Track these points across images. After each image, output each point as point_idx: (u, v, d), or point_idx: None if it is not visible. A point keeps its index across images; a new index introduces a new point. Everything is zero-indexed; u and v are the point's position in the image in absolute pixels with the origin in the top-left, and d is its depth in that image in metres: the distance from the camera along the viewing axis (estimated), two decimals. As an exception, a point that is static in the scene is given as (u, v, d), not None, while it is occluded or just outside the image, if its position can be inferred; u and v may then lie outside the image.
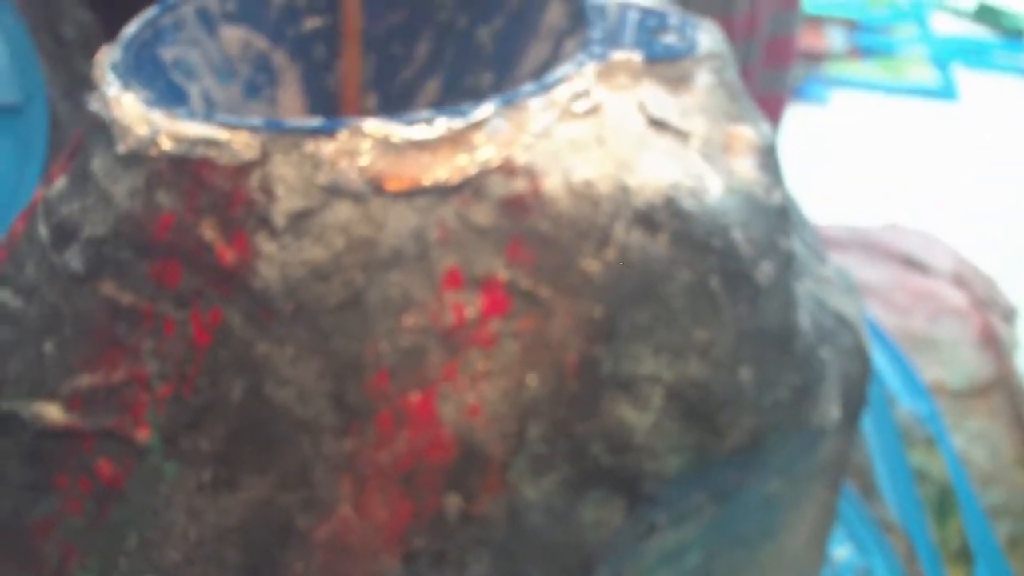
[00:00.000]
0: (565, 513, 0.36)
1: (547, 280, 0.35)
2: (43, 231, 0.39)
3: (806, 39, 1.10)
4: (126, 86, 0.38)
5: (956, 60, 1.14)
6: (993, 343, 0.75)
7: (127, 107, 0.37)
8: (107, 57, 0.40)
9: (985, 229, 0.88)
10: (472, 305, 0.35)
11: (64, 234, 0.38)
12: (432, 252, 0.35)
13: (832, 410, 0.39)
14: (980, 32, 1.20)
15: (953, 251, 0.81)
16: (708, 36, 0.40)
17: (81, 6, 0.64)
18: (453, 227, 0.35)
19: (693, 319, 0.35)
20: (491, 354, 0.35)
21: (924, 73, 1.15)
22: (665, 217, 0.35)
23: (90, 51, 0.63)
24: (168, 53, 0.44)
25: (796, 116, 1.05)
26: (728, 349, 0.36)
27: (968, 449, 0.70)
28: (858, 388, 0.42)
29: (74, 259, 0.37)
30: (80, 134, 0.40)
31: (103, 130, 0.38)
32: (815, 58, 1.14)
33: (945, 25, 1.20)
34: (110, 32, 0.64)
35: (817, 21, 1.15)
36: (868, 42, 1.18)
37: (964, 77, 1.14)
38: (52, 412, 0.37)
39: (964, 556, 0.64)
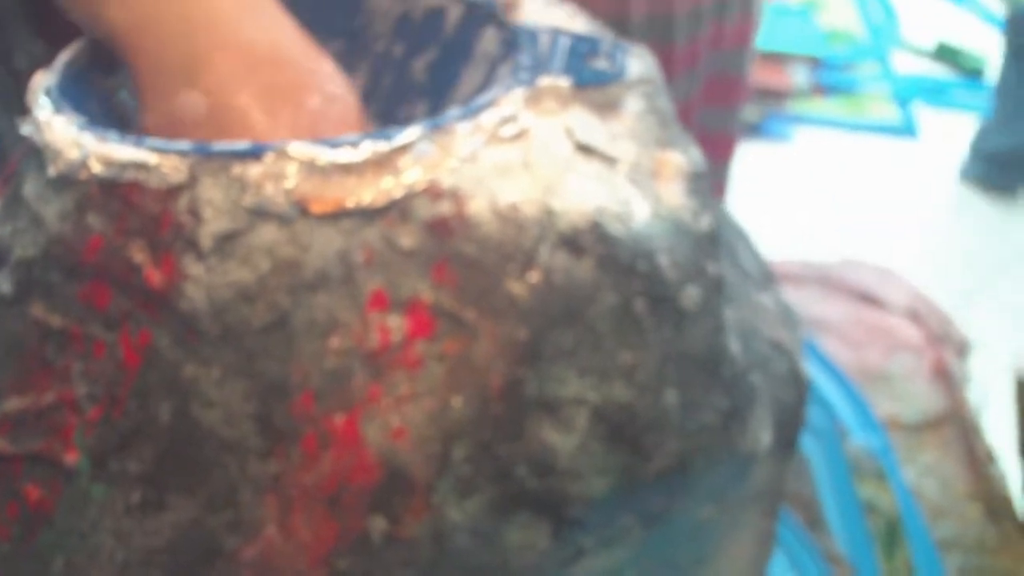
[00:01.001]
0: (490, 536, 0.36)
1: (472, 302, 0.35)
2: None
3: (769, 76, 1.11)
4: (58, 110, 0.38)
5: (917, 98, 1.16)
6: (946, 378, 0.75)
7: (58, 131, 0.37)
8: (42, 82, 0.40)
9: (941, 264, 0.89)
10: (397, 327, 0.35)
11: (-3, 257, 0.38)
12: (357, 274, 0.35)
13: (763, 435, 0.40)
14: (940, 71, 1.21)
15: (909, 286, 0.81)
16: (639, 61, 0.40)
17: (34, 37, 0.64)
18: (378, 249, 0.35)
19: (618, 342, 0.36)
20: (416, 376, 0.35)
21: (885, 110, 1.16)
22: (590, 241, 0.35)
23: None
24: (109, 79, 0.44)
25: (758, 152, 1.06)
26: (653, 372, 0.36)
27: (920, 482, 0.70)
28: (792, 414, 0.43)
29: (3, 282, 0.37)
30: (15, 160, 0.40)
31: (35, 154, 0.38)
32: (778, 95, 1.15)
33: (906, 64, 1.21)
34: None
35: (780, 58, 1.16)
36: (830, 79, 1.19)
37: (924, 114, 1.16)
38: (-20, 436, 0.37)
39: (913, 588, 0.64)
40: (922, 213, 1.01)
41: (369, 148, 0.35)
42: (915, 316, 0.79)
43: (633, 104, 0.39)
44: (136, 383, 0.36)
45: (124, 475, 0.36)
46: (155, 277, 0.35)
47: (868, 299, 0.80)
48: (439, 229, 0.35)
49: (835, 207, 1.01)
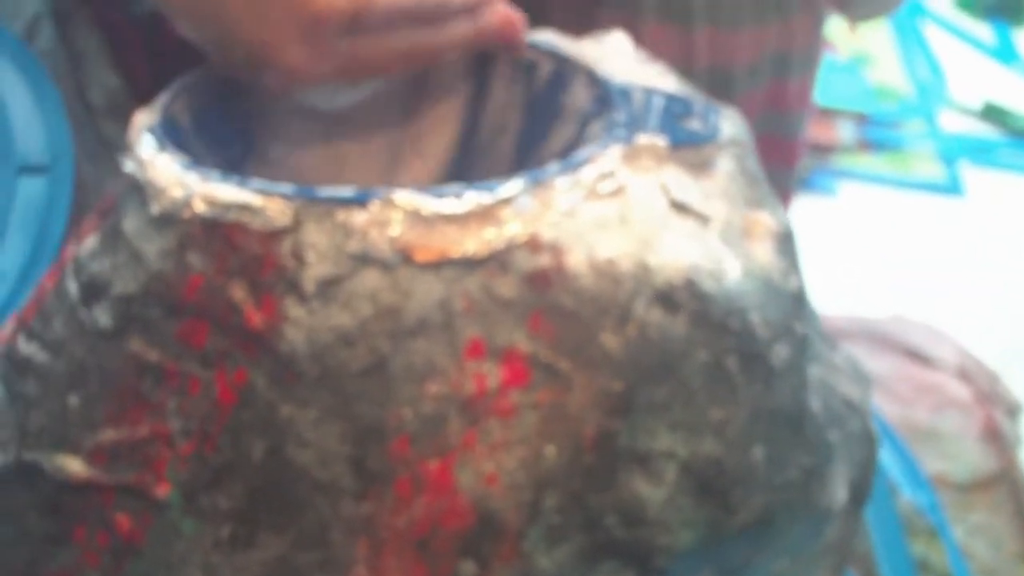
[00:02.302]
0: (577, 584, 0.36)
1: (567, 353, 0.36)
2: (72, 287, 0.39)
3: (816, 130, 1.12)
4: (161, 148, 0.39)
5: (962, 157, 1.16)
6: (996, 437, 0.75)
7: (162, 169, 0.38)
8: (143, 120, 0.41)
9: (988, 324, 0.89)
10: (493, 375, 0.35)
11: (94, 291, 0.39)
12: (456, 322, 0.35)
13: (839, 492, 0.40)
14: (986, 130, 1.21)
15: (958, 345, 0.82)
16: (730, 123, 0.41)
17: (108, 71, 0.66)
18: (478, 298, 0.35)
19: (709, 398, 0.36)
20: (510, 424, 0.35)
21: (931, 168, 1.17)
22: (685, 297, 0.36)
23: (116, 115, 0.65)
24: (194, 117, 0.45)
25: (804, 206, 1.06)
26: (742, 428, 0.37)
27: (969, 542, 0.70)
28: (865, 472, 0.43)
29: (103, 315, 0.38)
30: (112, 195, 0.41)
31: (137, 191, 0.39)
32: (824, 150, 1.15)
33: (952, 122, 1.22)
34: (136, 97, 0.65)
35: (827, 114, 1.17)
36: (876, 136, 1.20)
37: (970, 174, 1.16)
38: (74, 465, 0.38)
39: (963, 648, 0.64)
40: (968, 271, 1.01)
41: (473, 200, 0.36)
42: (964, 374, 0.79)
43: (724, 164, 0.40)
44: (230, 421, 0.36)
45: (214, 510, 0.37)
46: (255, 318, 0.36)
47: (916, 356, 0.80)
48: (538, 281, 0.36)
49: (881, 263, 1.01)
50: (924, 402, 0.76)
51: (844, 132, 1.15)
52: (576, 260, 0.36)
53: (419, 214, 0.35)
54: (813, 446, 0.38)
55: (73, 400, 0.38)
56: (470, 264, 0.35)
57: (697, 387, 0.36)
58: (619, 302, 0.36)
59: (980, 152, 1.18)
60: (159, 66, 0.64)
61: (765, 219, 0.39)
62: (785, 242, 0.39)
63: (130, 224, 0.38)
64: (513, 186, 0.36)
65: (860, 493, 0.42)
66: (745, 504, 0.37)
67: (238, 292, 0.36)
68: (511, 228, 0.36)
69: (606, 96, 0.42)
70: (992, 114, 1.20)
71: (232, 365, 0.36)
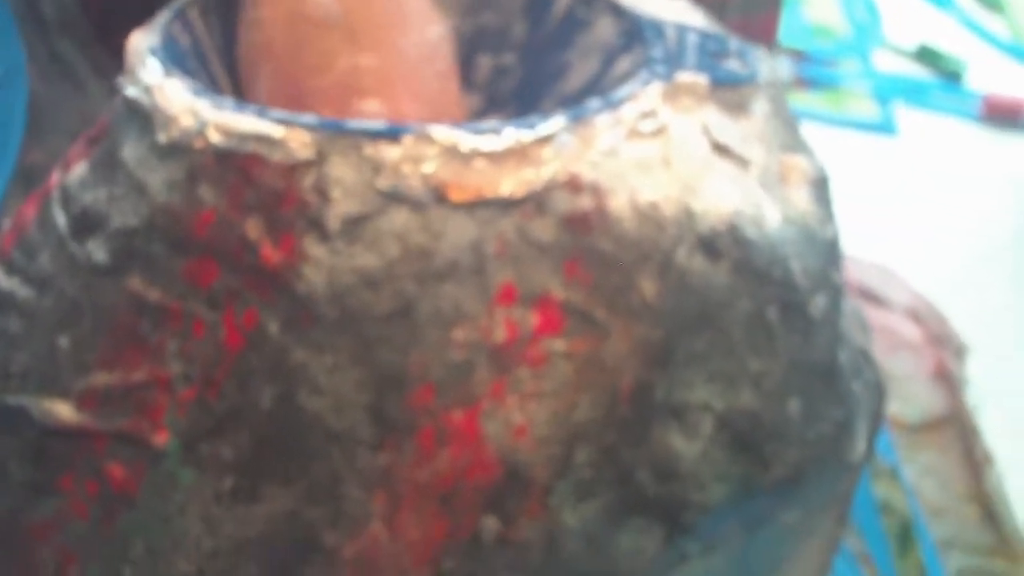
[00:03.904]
0: (602, 541, 0.35)
1: (604, 301, 0.34)
2: (61, 219, 0.37)
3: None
4: (168, 73, 0.36)
5: (897, 97, 1.16)
6: (946, 379, 0.76)
7: (171, 95, 0.35)
8: (142, 41, 0.38)
9: (923, 262, 0.90)
10: (525, 323, 0.34)
11: (87, 223, 0.36)
12: (488, 266, 0.33)
13: (862, 445, 0.39)
14: (920, 72, 1.22)
15: (908, 286, 0.82)
16: (765, 64, 0.39)
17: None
18: (512, 241, 0.33)
19: (749, 349, 0.35)
20: (542, 374, 0.34)
21: (866, 107, 1.17)
22: (728, 244, 0.35)
23: (69, 31, 0.61)
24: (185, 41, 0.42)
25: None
26: (779, 380, 0.35)
27: (919, 482, 0.71)
28: (876, 423, 0.42)
29: (98, 250, 0.35)
30: (104, 121, 0.38)
31: (138, 117, 0.36)
32: (761, 85, 1.14)
33: (887, 63, 1.21)
34: (89, 14, 0.62)
35: (765, 49, 1.16)
36: (813, 73, 1.19)
37: (903, 114, 1.16)
38: (63, 410, 0.35)
39: (922, 590, 0.65)
40: (903, 210, 1.01)
41: (512, 136, 0.33)
42: (915, 316, 0.79)
43: (761, 107, 0.38)
44: (236, 365, 0.34)
45: (216, 460, 0.34)
46: (272, 256, 0.33)
47: (869, 296, 0.80)
48: (577, 224, 0.34)
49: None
50: (878, 344, 0.76)
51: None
52: (618, 203, 0.34)
53: (456, 150, 0.33)
54: (843, 399, 0.37)
55: (63, 340, 0.35)
56: (506, 205, 0.33)
57: (737, 338, 0.35)
58: (661, 248, 0.34)
59: (914, 93, 1.18)
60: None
61: (802, 164, 0.38)
62: (821, 188, 0.38)
63: (130, 152, 0.35)
64: (554, 123, 0.34)
65: (872, 444, 0.42)
66: (779, 458, 0.36)
67: (253, 229, 0.34)
68: (551, 167, 0.34)
69: (635, 31, 0.40)
70: (926, 56, 1.20)
71: (242, 306, 0.34)
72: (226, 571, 0.35)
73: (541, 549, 0.34)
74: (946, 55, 1.19)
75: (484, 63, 0.46)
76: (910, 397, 0.74)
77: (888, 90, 1.17)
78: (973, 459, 0.72)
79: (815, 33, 1.23)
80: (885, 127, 1.13)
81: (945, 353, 0.77)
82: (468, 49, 0.45)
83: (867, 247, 0.94)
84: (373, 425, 0.33)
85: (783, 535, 0.40)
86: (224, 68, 0.42)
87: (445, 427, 0.33)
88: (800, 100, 1.17)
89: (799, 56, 1.19)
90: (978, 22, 1.28)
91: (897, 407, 0.74)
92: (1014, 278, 0.95)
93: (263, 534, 0.34)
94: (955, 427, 0.74)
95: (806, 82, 1.18)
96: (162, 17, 0.39)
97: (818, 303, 0.36)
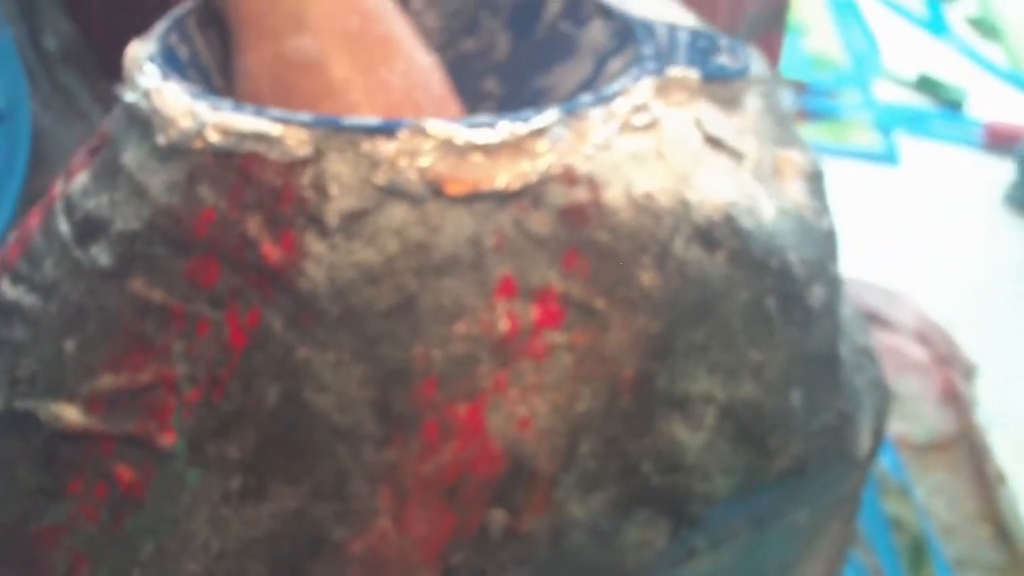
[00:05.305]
0: (609, 533, 0.35)
1: (603, 292, 0.34)
2: (64, 227, 0.37)
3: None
4: (166, 77, 0.36)
5: (898, 127, 1.17)
6: (954, 399, 0.76)
7: (170, 98, 0.35)
8: (140, 50, 0.38)
9: (927, 289, 0.90)
10: (525, 315, 0.34)
11: (90, 229, 0.36)
12: (487, 259, 0.34)
13: (866, 440, 0.39)
14: (920, 101, 1.22)
15: (915, 307, 0.82)
16: (756, 60, 0.40)
17: (63, 17, 0.63)
18: (510, 234, 0.34)
19: (748, 339, 0.35)
20: (543, 366, 0.34)
21: (867, 138, 1.17)
22: (724, 234, 0.35)
23: (71, 63, 0.62)
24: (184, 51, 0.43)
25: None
26: (780, 371, 0.35)
27: (930, 502, 0.70)
28: (881, 422, 0.42)
29: (101, 254, 0.36)
30: (103, 131, 0.38)
31: (138, 123, 0.36)
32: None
33: (887, 93, 1.22)
34: (91, 45, 0.62)
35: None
36: (814, 105, 1.20)
37: (905, 143, 1.17)
38: (70, 413, 0.35)
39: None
40: (906, 240, 1.02)
41: (507, 129, 0.34)
42: (922, 337, 0.79)
43: (753, 102, 0.39)
44: (241, 364, 0.34)
45: (223, 460, 0.34)
46: (273, 253, 0.34)
47: (875, 318, 0.80)
48: (573, 216, 0.34)
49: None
50: (885, 365, 0.76)
51: (783, 100, 1.15)
52: (614, 194, 0.34)
53: (452, 143, 0.33)
54: (845, 391, 0.37)
55: (69, 345, 0.36)
56: (502, 198, 0.34)
57: (737, 328, 0.35)
58: (658, 239, 0.34)
59: (915, 122, 1.19)
60: (115, 13, 0.61)
61: (796, 157, 0.38)
62: (816, 181, 0.38)
63: (131, 157, 0.36)
64: (548, 116, 0.34)
65: (877, 443, 0.42)
66: (782, 450, 0.36)
67: (254, 227, 0.34)
68: (546, 160, 0.34)
69: (626, 31, 0.41)
70: (927, 86, 1.21)
71: (245, 305, 0.34)
72: (234, 571, 0.35)
73: (548, 542, 0.34)
74: (946, 84, 1.20)
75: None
76: (918, 417, 0.74)
77: (889, 120, 1.17)
78: (984, 478, 0.72)
79: (815, 64, 1.24)
80: (887, 157, 1.14)
81: (953, 373, 0.77)
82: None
83: (874, 273, 0.94)
84: (378, 420, 0.34)
85: (791, 534, 0.40)
86: (225, 81, 0.43)
87: (449, 420, 0.34)
88: (802, 132, 1.17)
89: (800, 87, 1.20)
90: (977, 51, 1.29)
91: (906, 427, 0.74)
92: (1019, 300, 0.95)
93: (271, 533, 0.34)
94: (965, 447, 0.73)
95: (808, 113, 1.19)
96: (159, 27, 0.40)
97: (816, 294, 0.36)
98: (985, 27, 1.34)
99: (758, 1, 0.71)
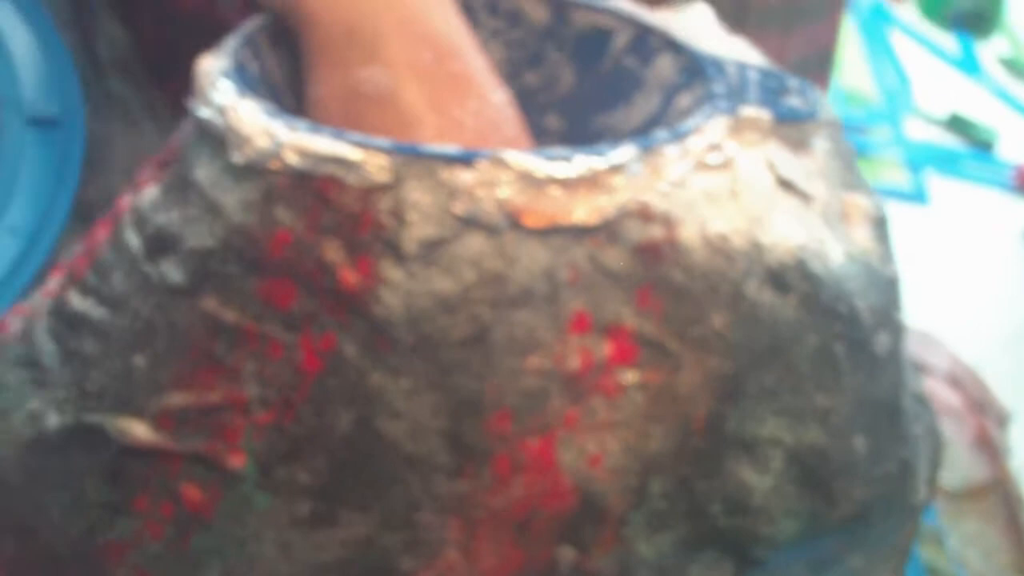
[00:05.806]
0: (675, 573, 0.35)
1: (676, 332, 0.34)
2: (134, 240, 0.37)
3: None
4: (242, 94, 0.36)
5: (928, 165, 1.17)
6: (988, 446, 0.75)
7: (246, 116, 0.35)
8: (212, 65, 0.38)
9: (958, 330, 0.90)
10: (598, 351, 0.34)
11: (161, 244, 0.36)
12: (562, 293, 0.34)
13: (923, 489, 0.39)
14: (951, 140, 1.22)
15: (947, 351, 0.82)
16: (823, 103, 0.40)
17: (115, 23, 0.63)
18: (584, 269, 0.34)
19: (816, 385, 0.35)
20: (616, 404, 0.34)
21: (897, 176, 1.17)
22: (795, 278, 0.35)
23: (123, 70, 0.62)
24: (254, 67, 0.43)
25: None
26: (846, 417, 0.35)
27: (963, 551, 0.70)
28: (935, 470, 0.42)
29: (172, 271, 0.36)
30: (174, 144, 0.38)
31: (211, 139, 0.36)
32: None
33: (918, 131, 1.22)
34: (143, 53, 0.63)
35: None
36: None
37: (935, 183, 1.17)
38: (138, 429, 0.35)
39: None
40: (936, 280, 1.01)
41: (584, 164, 0.34)
42: (955, 381, 0.79)
43: (821, 144, 0.39)
44: (314, 389, 0.34)
45: (293, 485, 0.34)
46: (349, 278, 0.34)
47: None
48: (648, 253, 0.34)
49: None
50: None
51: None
52: (688, 233, 0.34)
53: (531, 176, 0.34)
54: (907, 439, 0.38)
55: (138, 360, 0.36)
56: (578, 232, 0.34)
57: (805, 373, 0.35)
58: (731, 280, 0.34)
59: (945, 162, 1.19)
60: (166, 20, 0.61)
61: (862, 202, 0.38)
62: (881, 227, 0.39)
63: (203, 174, 0.36)
64: (624, 151, 0.34)
65: (931, 492, 0.42)
66: (846, 496, 0.36)
67: (331, 251, 0.34)
68: (622, 195, 0.34)
69: (696, 67, 0.41)
70: (958, 125, 1.21)
71: (319, 329, 0.34)
72: (300, 596, 0.35)
73: (612, 579, 0.34)
74: (978, 124, 1.20)
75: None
76: (951, 463, 0.74)
77: (920, 158, 1.17)
78: (1019, 529, 0.72)
79: (847, 99, 1.24)
80: (917, 196, 1.14)
81: (986, 420, 0.77)
82: None
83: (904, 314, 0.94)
84: (449, 451, 0.34)
85: (845, 580, 0.40)
86: (295, 99, 0.43)
87: (521, 455, 0.34)
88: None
89: (832, 124, 1.21)
90: (1009, 91, 1.30)
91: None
92: (1051, 345, 0.95)
93: (339, 560, 0.34)
94: (998, 495, 0.73)
95: (839, 150, 1.20)
96: (232, 41, 0.40)
97: (882, 341, 0.36)
98: (1017, 68, 1.34)
99: (802, 47, 0.71)
